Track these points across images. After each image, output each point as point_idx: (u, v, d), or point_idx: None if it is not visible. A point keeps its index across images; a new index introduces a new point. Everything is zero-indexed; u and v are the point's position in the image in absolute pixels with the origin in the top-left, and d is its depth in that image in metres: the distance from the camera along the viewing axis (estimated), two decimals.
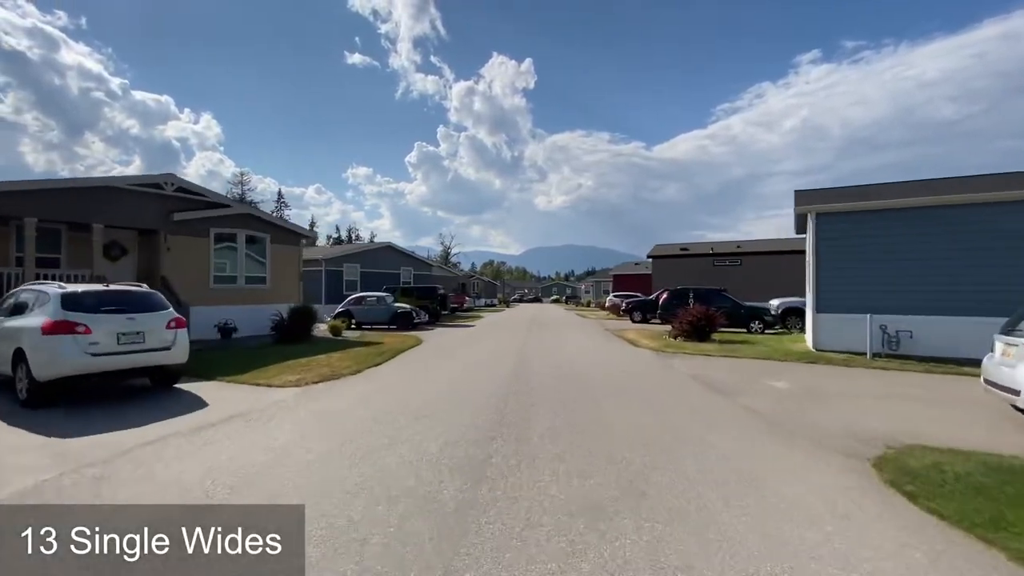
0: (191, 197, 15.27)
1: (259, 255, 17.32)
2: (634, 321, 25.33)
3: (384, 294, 21.65)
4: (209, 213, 15.60)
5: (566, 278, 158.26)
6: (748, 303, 20.11)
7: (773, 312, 19.63)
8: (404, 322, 20.51)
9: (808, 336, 14.11)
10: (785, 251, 26.76)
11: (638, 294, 38.00)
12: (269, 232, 17.54)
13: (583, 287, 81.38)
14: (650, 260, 51.68)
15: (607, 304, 38.37)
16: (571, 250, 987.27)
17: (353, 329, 20.39)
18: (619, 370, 10.36)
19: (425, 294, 23.73)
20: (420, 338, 16.76)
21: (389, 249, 30.92)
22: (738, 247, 28.40)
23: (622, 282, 45.53)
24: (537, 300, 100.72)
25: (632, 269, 47.64)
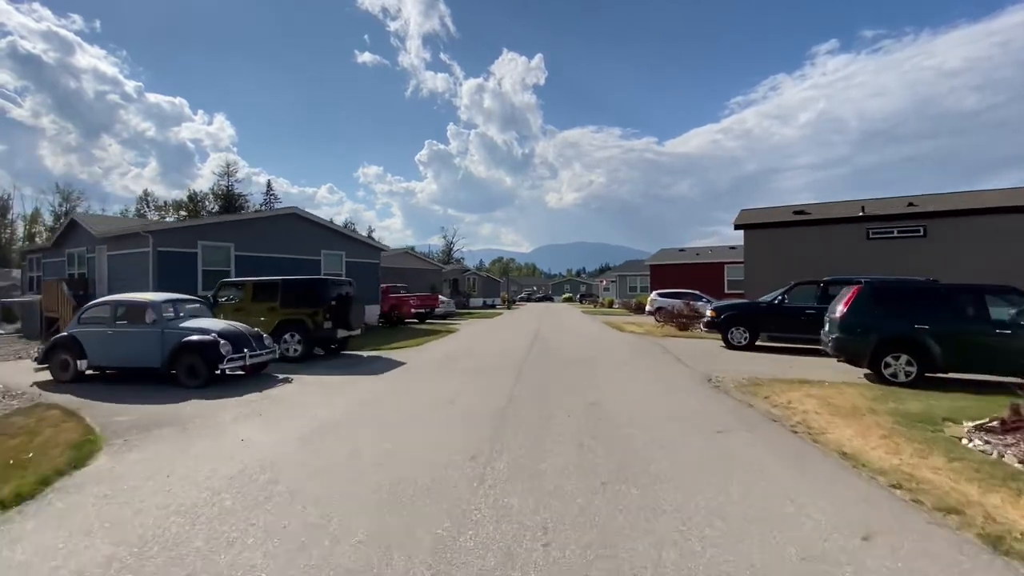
0: None
1: None
2: (732, 345, 12.76)
3: (174, 298, 9.25)
4: None
5: (577, 275, 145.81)
6: None
7: None
8: (198, 367, 8.09)
9: None
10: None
11: (697, 292, 25.31)
12: None
13: (601, 284, 68.58)
14: (700, 247, 38.76)
15: (651, 308, 25.69)
16: (582, 247, 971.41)
17: (80, 382, 8.13)
18: None
19: (303, 296, 11.21)
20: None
21: (295, 219, 18.55)
22: (911, 205, 15.54)
23: (663, 275, 32.84)
24: (547, 299, 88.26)
25: (676, 257, 34.85)
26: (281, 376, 9.13)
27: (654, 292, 26.13)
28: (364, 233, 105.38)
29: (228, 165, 78.61)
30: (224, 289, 11.90)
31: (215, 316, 10.69)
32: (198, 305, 9.58)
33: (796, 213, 16.98)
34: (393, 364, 10.51)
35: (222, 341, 8.15)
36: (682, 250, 37.72)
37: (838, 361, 9.12)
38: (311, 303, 11.02)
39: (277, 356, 9.16)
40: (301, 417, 6.20)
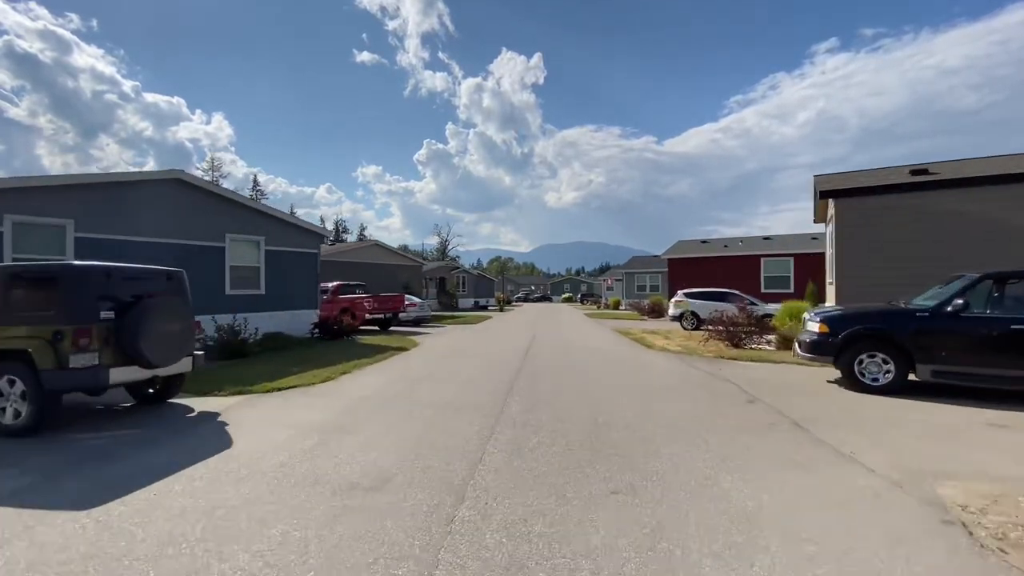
0: None
1: None
2: (864, 384, 7.20)
3: None
4: None
5: (577, 274, 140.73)
6: None
7: None
8: None
9: None
10: None
11: (736, 291, 19.83)
12: None
13: (605, 283, 63.14)
14: (728, 238, 33.25)
15: (675, 311, 20.11)
16: (581, 247, 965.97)
17: None
18: None
19: (36, 302, 5.45)
20: None
21: (180, 187, 12.70)
22: None
23: (683, 271, 27.25)
24: (546, 299, 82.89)
25: (698, 250, 29.23)
26: None
27: (680, 292, 20.54)
28: (356, 232, 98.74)
29: (213, 160, 73.90)
30: None
31: None
32: None
33: (914, 173, 11.40)
34: (199, 451, 4.87)
35: None
36: (705, 242, 32.04)
37: None
38: (52, 317, 5.39)
39: None
40: None
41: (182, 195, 13.13)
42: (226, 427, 5.64)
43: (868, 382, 7.36)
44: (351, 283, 20.18)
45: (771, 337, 12.95)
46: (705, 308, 18.20)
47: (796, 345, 8.45)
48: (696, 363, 10.37)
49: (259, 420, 5.95)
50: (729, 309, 13.79)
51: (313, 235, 16.64)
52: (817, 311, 8.49)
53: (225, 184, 70.28)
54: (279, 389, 7.68)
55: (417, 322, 22.78)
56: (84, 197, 11.43)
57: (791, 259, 24.86)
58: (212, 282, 13.50)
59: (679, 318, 19.72)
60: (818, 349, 7.83)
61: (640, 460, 4.40)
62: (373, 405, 6.64)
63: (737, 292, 19.24)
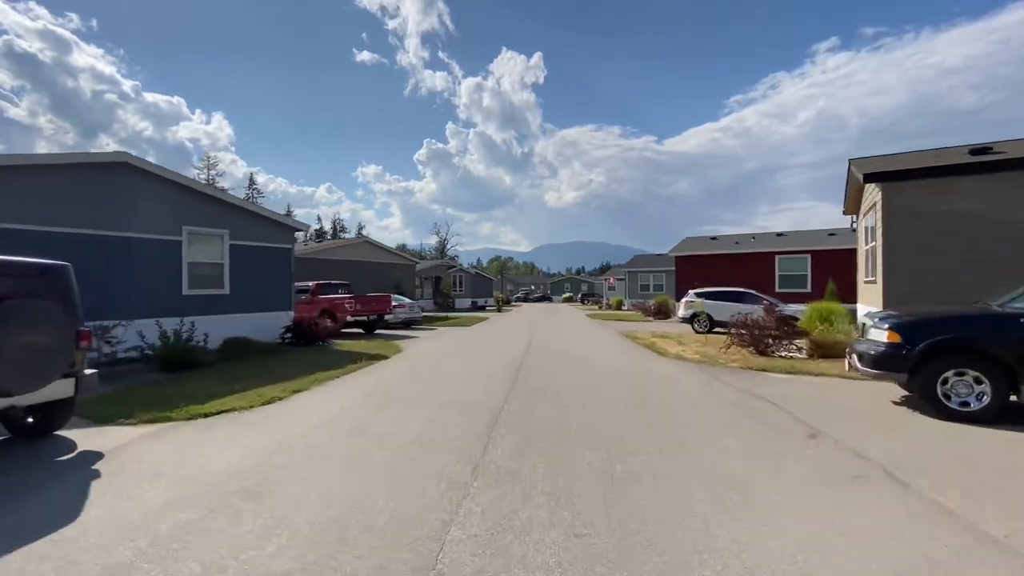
0: None
1: None
2: (950, 410, 5.61)
3: None
4: None
5: (577, 274, 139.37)
6: None
7: None
8: None
9: None
10: None
11: (752, 291, 18.28)
12: None
13: (607, 282, 61.58)
14: (739, 234, 31.63)
15: (686, 312, 18.53)
16: (581, 247, 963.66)
17: None
18: None
19: None
20: None
21: (129, 173, 10.96)
22: None
23: (692, 269, 25.61)
24: (546, 299, 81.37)
25: (707, 247, 27.58)
26: None
27: (691, 291, 18.92)
28: (355, 231, 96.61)
29: (208, 157, 72.94)
30: None
31: None
32: None
33: (975, 153, 9.80)
34: (26, 529, 3.27)
35: None
36: (714, 238, 30.40)
37: None
38: None
39: None
40: None
41: (130, 182, 11.51)
42: (95, 480, 4.04)
43: (956, 407, 5.76)
44: (333, 282, 18.60)
45: (800, 343, 11.38)
46: (720, 309, 16.63)
47: (853, 357, 6.83)
48: (722, 376, 8.76)
49: (149, 467, 4.34)
50: (752, 311, 12.19)
51: (286, 228, 15.01)
52: (882, 315, 6.86)
53: (223, 184, 68.91)
54: (206, 415, 6.07)
55: (407, 324, 21.17)
56: (4, 181, 9.82)
57: (808, 256, 23.27)
58: (167, 281, 11.93)
59: (691, 320, 18.12)
60: (888, 364, 6.20)
61: (690, 558, 2.79)
62: (313, 442, 5.03)
63: (754, 292, 17.65)
